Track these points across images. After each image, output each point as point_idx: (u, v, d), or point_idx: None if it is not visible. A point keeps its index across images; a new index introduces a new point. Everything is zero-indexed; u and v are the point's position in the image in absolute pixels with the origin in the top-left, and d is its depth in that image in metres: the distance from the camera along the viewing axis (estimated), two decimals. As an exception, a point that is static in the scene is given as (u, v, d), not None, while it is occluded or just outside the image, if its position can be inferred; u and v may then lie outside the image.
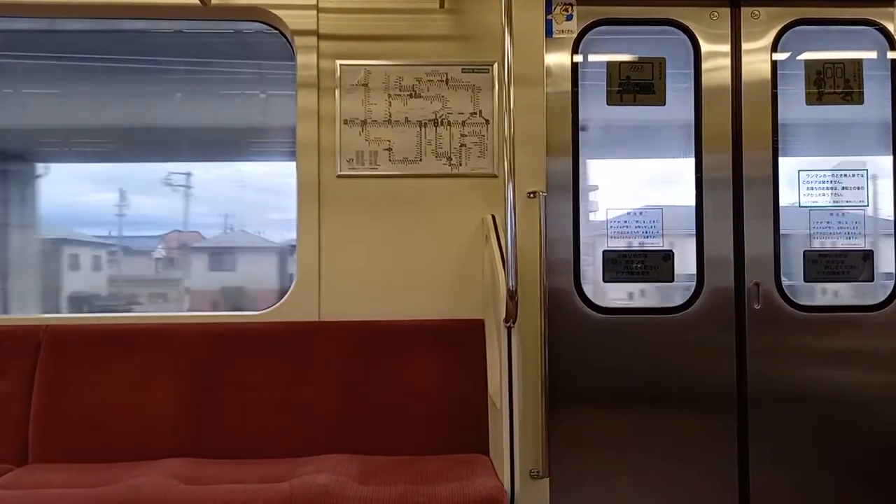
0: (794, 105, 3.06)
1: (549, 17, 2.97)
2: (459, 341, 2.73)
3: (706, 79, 3.02)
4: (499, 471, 2.35)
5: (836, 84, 3.07)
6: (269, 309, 2.81)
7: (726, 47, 3.04)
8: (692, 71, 3.03)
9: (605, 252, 2.99)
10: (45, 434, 2.57)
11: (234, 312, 2.88)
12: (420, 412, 2.65)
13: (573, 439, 2.91)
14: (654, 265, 2.98)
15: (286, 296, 2.82)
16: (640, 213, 3.02)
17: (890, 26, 3.06)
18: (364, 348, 2.70)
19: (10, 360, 2.63)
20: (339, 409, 2.64)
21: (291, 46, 2.89)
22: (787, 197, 3.03)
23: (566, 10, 2.99)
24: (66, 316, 2.85)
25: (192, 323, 2.75)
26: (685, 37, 3.03)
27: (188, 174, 4.78)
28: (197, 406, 2.61)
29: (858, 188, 3.06)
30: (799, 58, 3.08)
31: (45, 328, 2.68)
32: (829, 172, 3.08)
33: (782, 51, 3.04)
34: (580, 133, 2.98)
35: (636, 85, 3.03)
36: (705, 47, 3.03)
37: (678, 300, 2.99)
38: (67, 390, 2.60)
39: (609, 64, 3.03)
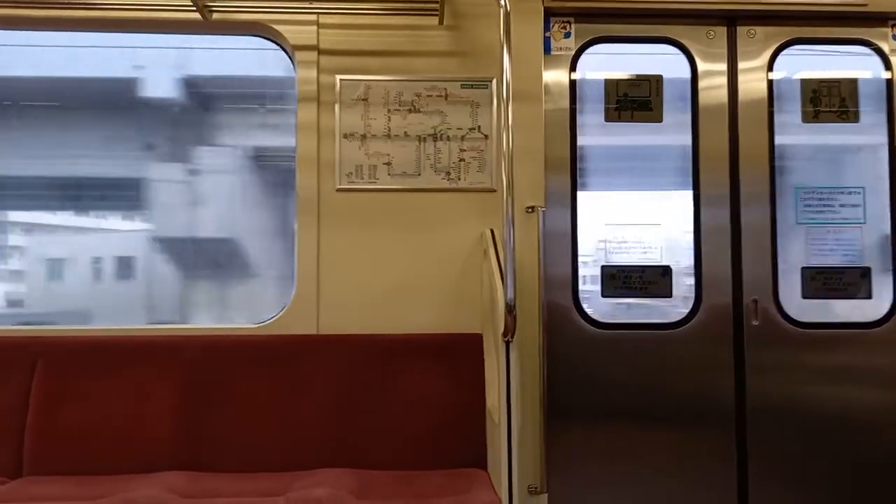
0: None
1: (548, 34, 3.00)
2: (458, 356, 2.72)
3: (703, 97, 3.05)
4: (497, 486, 2.34)
5: (831, 103, 3.10)
6: (268, 322, 2.81)
7: (723, 66, 3.07)
8: (689, 89, 3.06)
9: (603, 267, 3.00)
10: (41, 446, 2.55)
11: (232, 325, 2.86)
12: (418, 426, 2.64)
13: (572, 455, 2.89)
14: (653, 280, 2.99)
15: (284, 309, 2.82)
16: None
17: (885, 46, 3.09)
18: (362, 362, 2.69)
19: (7, 372, 2.61)
20: (337, 422, 2.62)
21: (292, 61, 2.91)
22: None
23: (564, 27, 3.02)
24: (63, 328, 2.82)
25: (190, 335, 2.74)
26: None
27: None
28: (194, 419, 2.59)
29: (855, 206, 3.08)
30: (795, 76, 3.11)
31: (41, 340, 2.67)
32: (827, 190, 3.10)
33: (778, 70, 3.08)
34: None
35: (633, 102, 3.05)
36: (702, 66, 3.06)
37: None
38: (64, 402, 2.58)
39: (606, 81, 3.06)
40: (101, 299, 3.48)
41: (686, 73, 3.07)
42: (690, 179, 3.03)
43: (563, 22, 3.01)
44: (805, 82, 3.10)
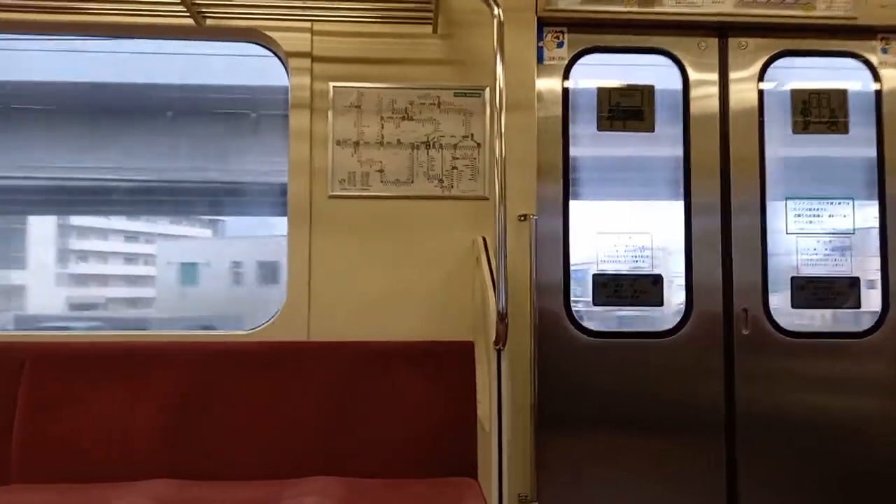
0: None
1: (541, 43, 3.01)
2: (449, 363, 2.71)
3: (694, 107, 3.07)
4: (487, 495, 2.33)
5: (821, 114, 3.12)
6: (258, 328, 2.80)
7: (714, 76, 3.08)
8: (681, 99, 3.08)
9: (595, 276, 3.01)
10: (29, 454, 2.53)
11: (222, 332, 2.85)
12: (409, 434, 2.63)
13: (562, 463, 2.89)
14: (644, 290, 3.00)
15: (275, 315, 2.81)
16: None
17: (874, 59, 3.12)
18: (353, 369, 2.68)
19: None
20: (327, 430, 2.61)
21: (286, 68, 2.91)
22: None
23: (557, 37, 3.03)
24: (51, 334, 2.81)
25: (179, 342, 2.72)
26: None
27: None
28: (183, 426, 2.58)
29: (844, 216, 3.10)
30: (784, 87, 3.14)
31: (29, 346, 2.64)
32: (817, 200, 3.12)
33: (769, 80, 3.10)
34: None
35: (625, 111, 3.07)
36: (694, 76, 3.07)
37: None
38: (51, 409, 2.56)
39: (599, 90, 3.07)
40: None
41: (678, 83, 3.09)
42: (681, 189, 3.05)
43: (557, 32, 3.03)
44: (795, 93, 3.13)
